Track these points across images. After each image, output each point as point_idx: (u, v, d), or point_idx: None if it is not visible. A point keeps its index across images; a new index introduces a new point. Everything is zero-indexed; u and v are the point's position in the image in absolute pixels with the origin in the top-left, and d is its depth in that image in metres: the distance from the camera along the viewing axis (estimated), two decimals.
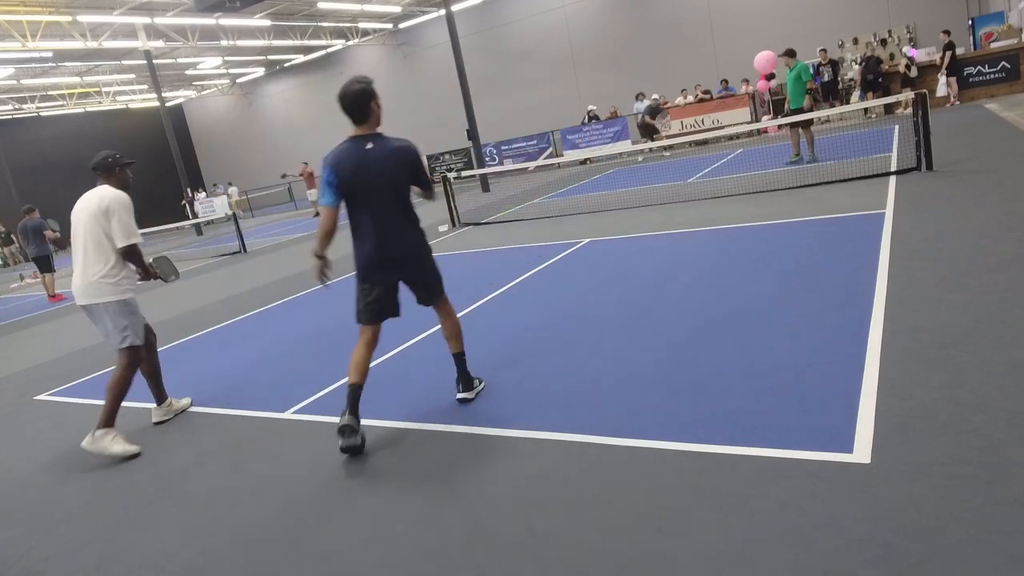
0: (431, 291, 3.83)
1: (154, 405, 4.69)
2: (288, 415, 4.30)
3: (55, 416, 5.26)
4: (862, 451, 2.65)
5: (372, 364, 4.93)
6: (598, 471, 2.90)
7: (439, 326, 4.03)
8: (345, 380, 4.70)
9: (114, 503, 3.52)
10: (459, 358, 3.92)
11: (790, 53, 11.24)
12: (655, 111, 18.97)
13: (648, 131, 18.84)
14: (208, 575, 2.69)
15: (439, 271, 3.88)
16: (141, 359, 4.36)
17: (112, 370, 4.29)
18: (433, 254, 3.87)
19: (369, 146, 3.49)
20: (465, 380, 3.94)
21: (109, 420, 4.12)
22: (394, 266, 3.67)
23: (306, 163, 23.11)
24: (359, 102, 3.45)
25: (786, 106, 11.42)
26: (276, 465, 3.60)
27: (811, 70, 11.17)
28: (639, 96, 20.86)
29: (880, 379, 3.22)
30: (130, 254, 4.21)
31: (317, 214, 22.11)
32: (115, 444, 4.08)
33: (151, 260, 4.58)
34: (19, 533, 3.39)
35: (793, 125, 11.24)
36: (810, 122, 11.18)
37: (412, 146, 3.66)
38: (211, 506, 3.28)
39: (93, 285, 4.17)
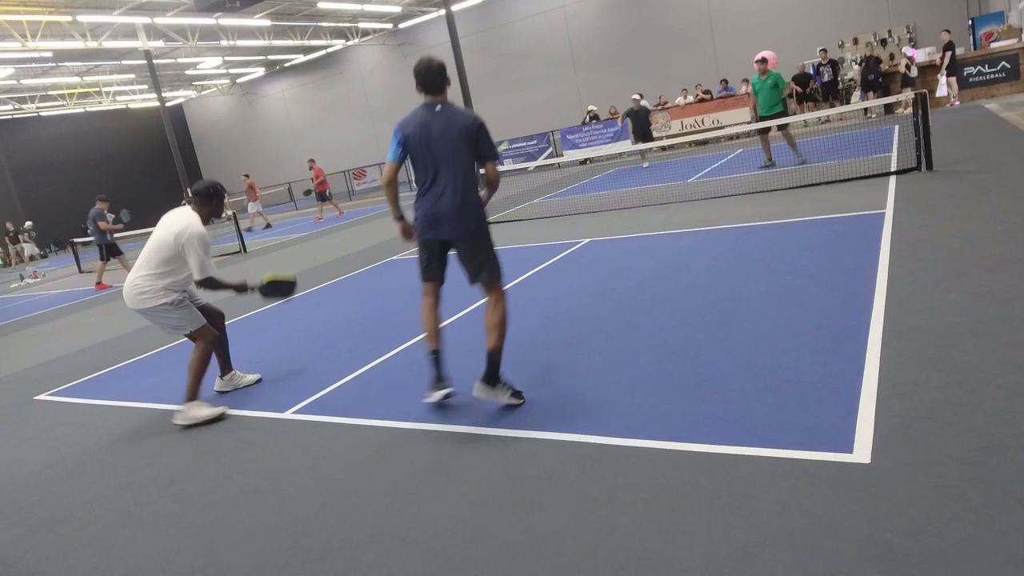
0: (480, 271, 3.77)
1: (217, 376, 5.01)
2: (288, 415, 4.30)
3: (55, 416, 5.26)
4: (862, 451, 2.66)
5: (375, 362, 4.98)
6: (598, 471, 2.90)
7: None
8: (343, 380, 4.73)
9: (114, 503, 3.52)
10: (491, 355, 3.70)
11: (764, 61, 11.50)
12: (636, 118, 17.05)
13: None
14: (208, 575, 2.70)
15: (494, 256, 3.80)
16: (213, 335, 4.68)
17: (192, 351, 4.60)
18: (491, 237, 3.82)
19: (438, 108, 3.69)
20: (488, 376, 3.70)
21: (192, 395, 4.49)
22: (440, 227, 3.72)
23: (247, 175, 22.56)
24: (440, 75, 3.70)
25: (757, 112, 11.69)
26: (276, 465, 3.60)
27: (784, 78, 11.54)
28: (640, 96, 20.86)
29: (880, 379, 3.22)
30: (206, 285, 4.47)
31: (249, 229, 21.26)
32: (201, 409, 4.48)
33: (262, 281, 4.91)
34: (19, 533, 3.39)
35: (763, 131, 11.46)
36: (785, 125, 11.35)
37: (477, 117, 3.73)
38: (211, 506, 3.28)
39: (135, 294, 4.45)
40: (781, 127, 11.26)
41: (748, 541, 2.27)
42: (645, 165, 17.07)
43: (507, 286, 6.74)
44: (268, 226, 21.62)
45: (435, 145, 3.65)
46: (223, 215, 4.69)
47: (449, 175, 3.66)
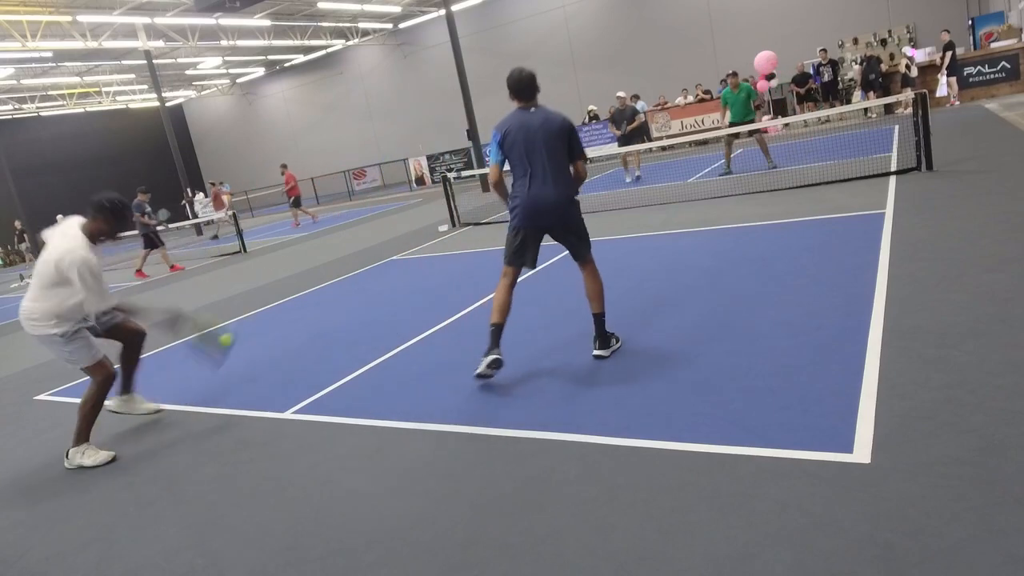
0: (576, 249, 4.26)
1: (115, 395, 4.57)
2: (288, 415, 4.30)
3: (55, 416, 5.26)
4: (862, 451, 2.65)
5: (375, 362, 4.98)
6: (598, 471, 2.90)
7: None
8: (343, 380, 4.73)
9: (114, 503, 3.52)
10: (598, 318, 4.23)
11: (735, 75, 12.07)
12: (619, 117, 14.29)
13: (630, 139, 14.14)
14: (208, 575, 2.70)
15: (586, 234, 4.29)
16: (110, 373, 4.20)
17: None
18: (583, 218, 4.30)
19: (532, 110, 4.12)
20: (602, 339, 4.23)
21: (81, 437, 4.12)
22: (540, 216, 4.14)
23: (221, 182, 21.35)
24: (532, 82, 4.14)
25: (726, 120, 12.18)
26: (276, 465, 3.60)
27: (756, 89, 12.14)
28: (634, 98, 20.80)
29: (880, 379, 3.22)
30: (110, 314, 4.11)
31: (216, 236, 20.62)
32: (86, 458, 4.08)
33: (170, 317, 4.44)
34: (19, 533, 3.39)
35: (732, 137, 12.05)
36: (760, 130, 11.87)
37: (567, 117, 4.14)
38: (211, 506, 3.28)
39: (26, 319, 4.02)
40: (753, 132, 11.75)
41: (748, 541, 2.27)
42: (628, 180, 14.16)
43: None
44: (215, 237, 20.90)
45: (534, 141, 4.04)
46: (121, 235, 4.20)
47: (548, 168, 4.07)
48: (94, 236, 3.99)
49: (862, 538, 2.17)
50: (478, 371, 4.06)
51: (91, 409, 4.14)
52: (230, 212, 17.41)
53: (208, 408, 4.74)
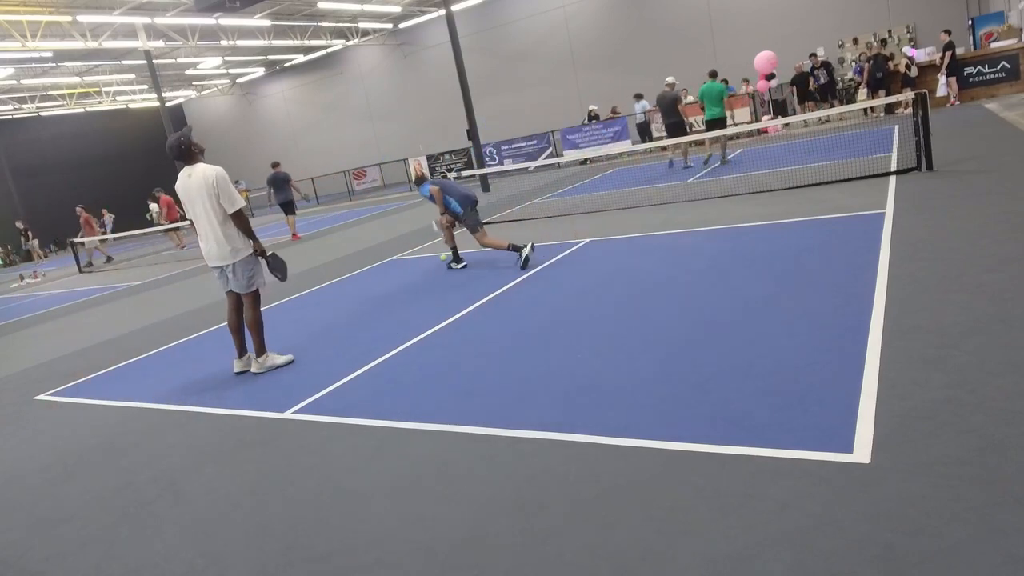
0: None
1: (235, 358, 5.48)
2: (288, 415, 4.30)
3: (55, 416, 5.27)
4: (862, 451, 2.65)
5: (375, 362, 4.99)
6: (598, 471, 2.90)
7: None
8: (343, 380, 4.74)
9: (114, 503, 3.52)
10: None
11: (713, 74, 13.18)
12: (662, 103, 14.21)
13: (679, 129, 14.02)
14: (208, 575, 2.70)
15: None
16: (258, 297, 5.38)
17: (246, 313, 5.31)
18: None
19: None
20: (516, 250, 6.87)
21: (262, 347, 5.32)
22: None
23: (83, 206, 19.95)
24: None
25: (702, 121, 13.43)
26: (276, 465, 3.60)
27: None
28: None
29: (880, 379, 3.22)
30: (238, 216, 5.21)
31: (90, 264, 19.26)
32: (277, 359, 5.36)
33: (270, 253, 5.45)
34: (19, 533, 3.39)
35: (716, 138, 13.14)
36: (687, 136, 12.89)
37: None
38: (211, 506, 3.28)
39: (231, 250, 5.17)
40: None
41: (748, 541, 2.27)
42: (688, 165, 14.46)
43: (508, 286, 6.76)
44: (109, 259, 20.13)
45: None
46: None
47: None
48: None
49: (862, 538, 2.17)
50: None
51: (262, 324, 5.31)
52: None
53: (208, 408, 4.74)
